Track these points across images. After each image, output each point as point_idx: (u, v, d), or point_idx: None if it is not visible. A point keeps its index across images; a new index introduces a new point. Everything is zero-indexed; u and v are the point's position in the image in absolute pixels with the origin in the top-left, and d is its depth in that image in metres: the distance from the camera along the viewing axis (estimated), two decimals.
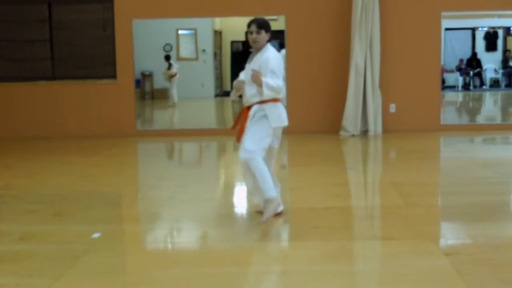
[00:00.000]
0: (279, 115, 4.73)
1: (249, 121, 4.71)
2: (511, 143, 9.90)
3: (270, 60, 4.68)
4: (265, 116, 4.68)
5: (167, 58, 13.81)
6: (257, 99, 4.69)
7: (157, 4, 10.41)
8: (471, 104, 16.69)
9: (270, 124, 4.67)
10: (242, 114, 4.83)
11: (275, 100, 4.71)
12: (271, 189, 4.66)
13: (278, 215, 4.80)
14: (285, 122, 4.78)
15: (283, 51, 10.42)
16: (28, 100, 10.65)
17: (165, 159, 9.22)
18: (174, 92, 13.62)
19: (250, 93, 4.74)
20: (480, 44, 17.41)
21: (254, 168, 4.63)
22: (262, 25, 4.76)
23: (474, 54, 17.28)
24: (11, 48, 10.90)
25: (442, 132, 10.13)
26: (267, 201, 4.66)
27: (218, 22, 14.38)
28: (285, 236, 4.78)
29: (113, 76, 10.58)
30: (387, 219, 5.09)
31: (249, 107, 4.74)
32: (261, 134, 4.67)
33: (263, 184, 4.63)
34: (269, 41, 4.80)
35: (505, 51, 17.27)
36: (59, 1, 10.79)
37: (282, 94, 4.85)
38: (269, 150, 4.83)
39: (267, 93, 4.63)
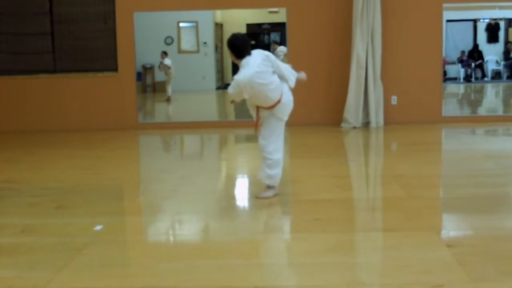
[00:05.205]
0: (284, 109, 5.12)
1: (265, 120, 5.13)
2: None
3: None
4: (276, 117, 5.09)
5: (165, 53, 13.74)
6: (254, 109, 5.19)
7: None
8: (472, 96, 16.65)
9: (283, 118, 5.13)
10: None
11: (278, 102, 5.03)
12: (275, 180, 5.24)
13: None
14: (291, 106, 5.14)
15: (282, 48, 10.35)
16: (29, 94, 10.65)
17: (166, 151, 9.22)
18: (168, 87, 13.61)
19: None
20: (482, 35, 17.34)
21: (269, 160, 5.13)
22: (228, 45, 5.00)
23: (475, 45, 17.23)
24: (12, 42, 10.89)
25: (444, 124, 10.12)
26: (268, 186, 5.26)
27: (219, 15, 14.34)
28: (287, 228, 4.78)
29: (114, 69, 10.57)
30: (388, 211, 5.10)
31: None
32: (278, 131, 5.14)
33: (271, 172, 5.18)
34: (241, 55, 4.91)
35: (506, 42, 17.21)
36: None
37: (278, 95, 5.05)
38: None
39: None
